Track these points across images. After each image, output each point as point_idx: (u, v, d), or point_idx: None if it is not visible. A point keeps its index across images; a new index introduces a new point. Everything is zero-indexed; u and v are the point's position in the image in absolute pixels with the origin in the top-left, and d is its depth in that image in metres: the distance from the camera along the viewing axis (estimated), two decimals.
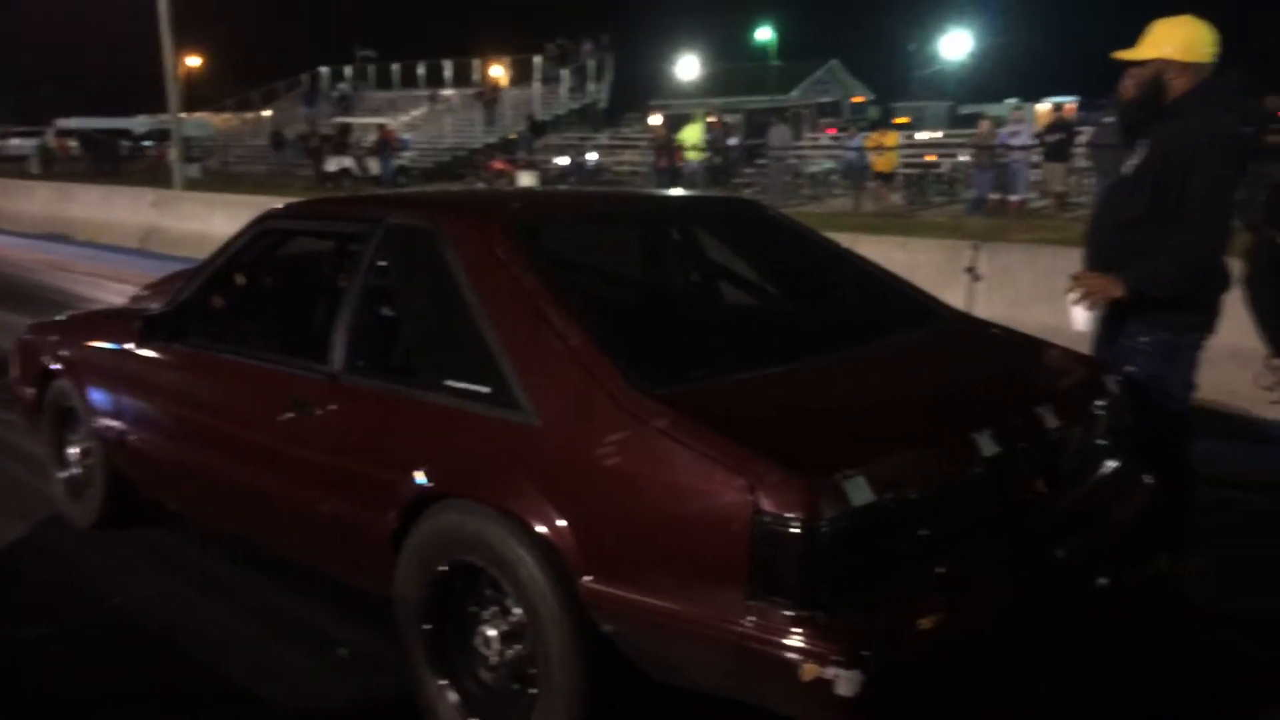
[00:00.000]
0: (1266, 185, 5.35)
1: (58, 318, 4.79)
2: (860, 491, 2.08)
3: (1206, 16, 3.19)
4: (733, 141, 20.77)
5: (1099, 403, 2.83)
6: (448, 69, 35.77)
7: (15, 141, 40.88)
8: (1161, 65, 3.13)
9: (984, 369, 2.95)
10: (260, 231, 3.54)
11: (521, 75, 34.45)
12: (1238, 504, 4.22)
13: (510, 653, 2.54)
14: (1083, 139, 16.79)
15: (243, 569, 3.73)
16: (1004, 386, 2.79)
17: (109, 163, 30.85)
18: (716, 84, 43.73)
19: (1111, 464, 2.86)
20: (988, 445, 2.37)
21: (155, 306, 3.72)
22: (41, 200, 17.59)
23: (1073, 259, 6.99)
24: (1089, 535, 2.64)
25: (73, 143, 34.80)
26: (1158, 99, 3.16)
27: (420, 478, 2.61)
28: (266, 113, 37.92)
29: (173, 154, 18.67)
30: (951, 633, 2.21)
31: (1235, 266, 3.47)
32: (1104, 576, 2.65)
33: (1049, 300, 6.63)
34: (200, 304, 3.57)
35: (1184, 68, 3.12)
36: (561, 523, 2.32)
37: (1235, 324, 4.59)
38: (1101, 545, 2.70)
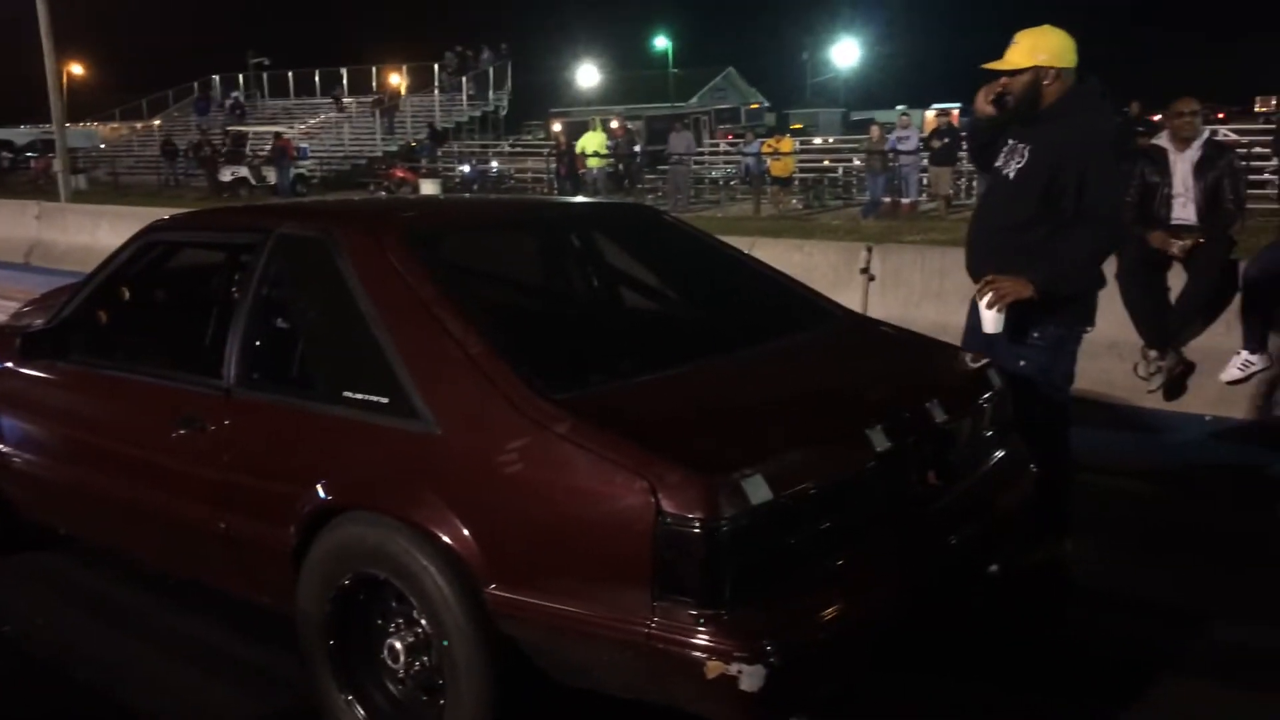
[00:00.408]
0: (1135, 186, 5.67)
1: None
2: (759, 490, 2.13)
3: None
4: (636, 148, 20.91)
5: (985, 395, 2.95)
6: (345, 76, 35.11)
7: None
8: (1038, 72, 3.28)
9: (875, 367, 3.05)
10: (146, 244, 3.44)
11: (420, 83, 34.07)
12: (1117, 490, 4.43)
13: (417, 664, 2.52)
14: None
15: (135, 590, 3.62)
16: (894, 383, 2.88)
17: None
18: (616, 92, 43.96)
19: (998, 454, 2.98)
20: (880, 440, 2.45)
21: (37, 323, 3.58)
22: None
23: (959, 259, 7.25)
24: (980, 524, 2.75)
25: None
26: (1034, 105, 3.31)
27: (320, 491, 2.57)
28: (156, 122, 36.65)
29: (57, 165, 17.91)
30: (852, 624, 2.27)
31: (1109, 263, 3.64)
32: (995, 563, 2.76)
33: (938, 298, 6.87)
34: (84, 319, 3.44)
35: (1057, 74, 3.27)
36: (465, 531, 2.32)
37: (1111, 318, 4.82)
38: (992, 533, 2.81)
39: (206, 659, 3.17)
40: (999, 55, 3.36)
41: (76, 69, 46.84)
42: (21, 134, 38.69)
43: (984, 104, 3.40)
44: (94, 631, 3.38)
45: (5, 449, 3.58)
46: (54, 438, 3.48)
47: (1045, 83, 3.28)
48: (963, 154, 17.16)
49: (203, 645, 3.25)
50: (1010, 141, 3.39)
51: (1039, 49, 3.29)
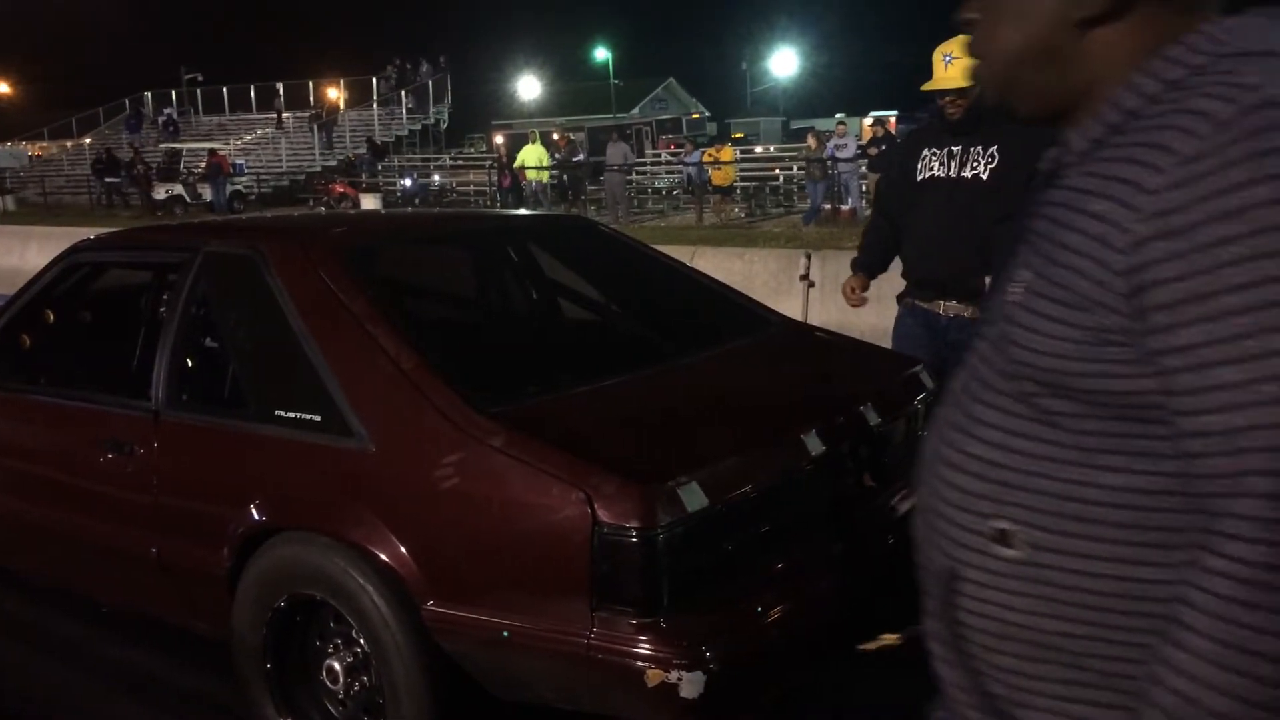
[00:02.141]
0: None
1: None
2: (695, 497, 2.14)
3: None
4: (579, 158, 20.95)
5: (918, 397, 3.00)
6: (281, 91, 34.67)
7: None
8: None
9: (810, 372, 3.08)
10: (70, 264, 3.37)
11: (359, 97, 33.76)
12: None
13: (357, 685, 2.49)
14: None
15: (74, 620, 3.52)
16: (829, 388, 2.92)
17: None
18: (557, 103, 44.02)
19: None
20: (815, 445, 2.48)
21: None
22: None
23: (896, 264, 7.32)
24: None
25: None
26: (979, 115, 3.35)
27: (254, 512, 2.54)
28: (87, 140, 35.83)
29: None
30: (791, 628, 2.29)
31: None
32: None
33: (877, 303, 6.94)
34: (7, 343, 3.36)
35: None
36: (402, 548, 2.29)
37: None
38: None
39: (144, 688, 3.10)
40: (930, 64, 3.42)
41: (1, 87, 45.76)
42: None
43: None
44: (31, 663, 3.30)
45: None
46: None
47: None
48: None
49: (140, 674, 3.18)
50: (953, 148, 3.43)
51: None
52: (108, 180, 27.09)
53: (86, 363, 3.43)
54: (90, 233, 11.15)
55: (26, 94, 47.88)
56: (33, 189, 29.44)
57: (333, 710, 2.56)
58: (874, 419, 2.71)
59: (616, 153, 18.95)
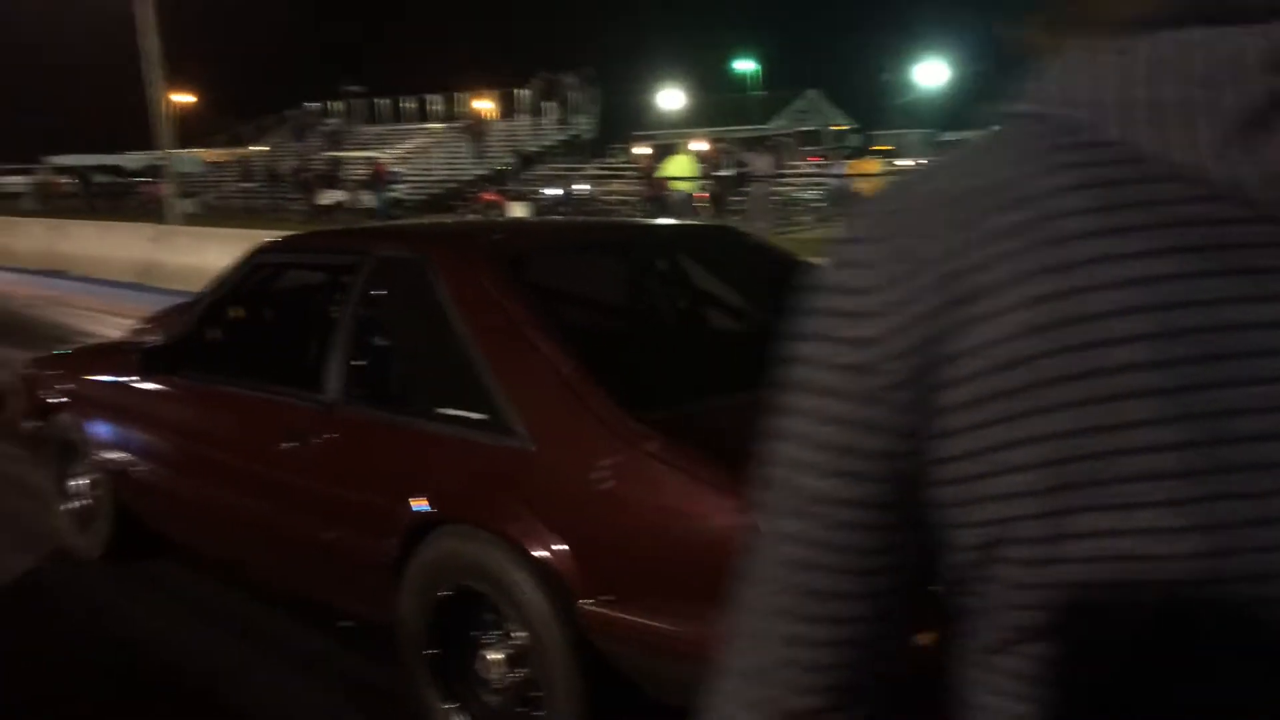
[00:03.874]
0: None
1: (58, 352, 4.84)
2: None
3: None
4: (726, 172, 20.99)
5: None
6: (437, 103, 36.03)
7: (7, 179, 41.10)
8: None
9: None
10: (255, 265, 3.61)
11: (509, 108, 34.73)
12: None
13: (514, 676, 2.58)
14: None
15: (247, 599, 3.76)
16: None
17: (104, 198, 30.89)
18: (700, 114, 44.19)
19: None
20: None
21: (154, 340, 3.77)
22: (37, 236, 17.64)
23: None
24: None
25: (65, 179, 34.86)
26: None
27: (419, 504, 2.66)
28: (258, 148, 38.10)
29: (167, 189, 18.75)
30: (948, 649, 2.25)
31: None
32: None
33: None
34: (197, 336, 3.62)
35: None
36: (559, 546, 2.37)
37: None
38: None
39: (314, 669, 3.28)
40: None
41: (185, 97, 49.00)
42: (132, 160, 40.62)
43: None
44: (208, 639, 3.52)
45: (125, 459, 3.78)
46: (168, 449, 3.66)
47: None
48: None
49: (310, 655, 3.36)
50: None
51: None
52: (277, 186, 28.77)
53: (267, 357, 3.66)
54: (262, 235, 11.82)
55: (205, 104, 51.24)
56: (211, 193, 31.43)
57: (490, 699, 2.66)
58: None
59: (760, 163, 18.88)
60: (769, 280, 3.65)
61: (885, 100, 52.13)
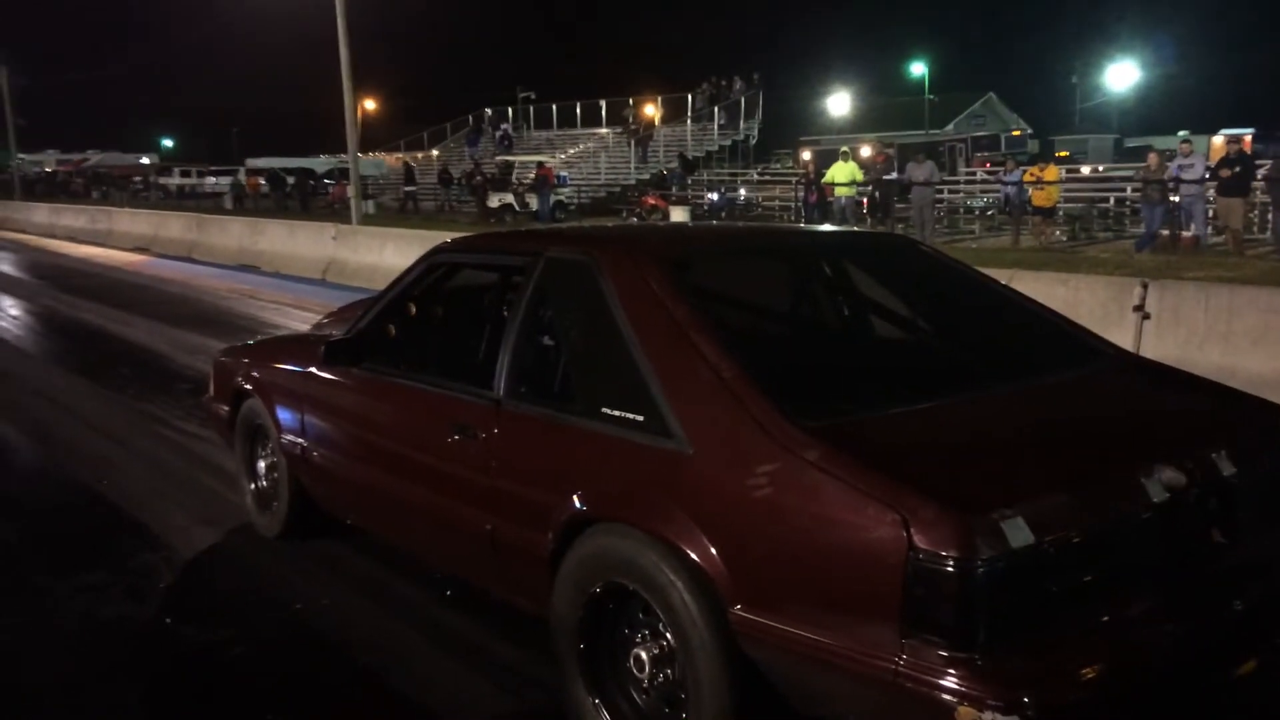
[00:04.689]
0: None
1: (249, 342, 5.18)
2: (1019, 532, 2.04)
3: None
4: (891, 176, 20.51)
5: None
6: (604, 108, 36.72)
7: (211, 180, 44.64)
8: None
9: (1153, 410, 2.84)
10: (431, 264, 3.76)
11: (674, 113, 35.04)
12: None
13: (661, 676, 2.59)
14: (1262, 172, 15.83)
15: (412, 582, 3.93)
16: (1175, 429, 2.68)
17: (296, 199, 32.98)
18: (868, 119, 43.32)
19: None
20: (1157, 491, 2.29)
21: (336, 333, 3.98)
22: (235, 234, 18.98)
23: (1251, 298, 6.62)
24: (1272, 590, 2.50)
25: (262, 181, 37.43)
26: None
27: (577, 501, 2.71)
28: (435, 152, 39.84)
29: (351, 191, 19.79)
30: (1113, 683, 2.13)
31: None
32: None
33: (1225, 341, 6.31)
34: (377, 331, 3.80)
35: None
36: (713, 550, 2.36)
37: None
38: None
39: (468, 651, 3.40)
40: None
41: (368, 104, 51.66)
42: (320, 163, 43.23)
43: None
44: (374, 618, 3.69)
45: (306, 444, 4.01)
46: (346, 437, 3.86)
47: None
48: (1258, 184, 15.62)
49: (464, 637, 3.49)
50: None
51: None
52: (449, 189, 30.01)
53: (441, 352, 3.81)
54: (436, 235, 12.33)
55: (386, 111, 53.87)
56: (389, 195, 33.07)
57: (636, 697, 2.68)
58: (1228, 468, 2.46)
59: (919, 172, 18.36)
60: (940, 291, 3.54)
61: (1068, 104, 49.76)
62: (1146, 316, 6.49)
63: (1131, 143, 35.00)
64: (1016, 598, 2.06)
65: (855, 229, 11.57)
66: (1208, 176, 15.41)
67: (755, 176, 29.51)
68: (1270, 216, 16.11)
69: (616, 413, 2.69)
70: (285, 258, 16.45)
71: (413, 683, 3.22)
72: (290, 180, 35.18)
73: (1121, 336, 6.15)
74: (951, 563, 2.00)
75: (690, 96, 34.36)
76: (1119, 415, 2.77)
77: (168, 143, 73.13)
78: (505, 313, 3.47)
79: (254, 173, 40.65)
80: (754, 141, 34.23)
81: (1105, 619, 2.18)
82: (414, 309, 3.93)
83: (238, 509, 4.67)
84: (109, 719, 3.08)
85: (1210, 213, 15.76)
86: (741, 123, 33.42)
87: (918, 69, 49.04)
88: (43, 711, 3.13)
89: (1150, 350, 6.06)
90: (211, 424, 5.04)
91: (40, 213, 30.15)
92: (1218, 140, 21.35)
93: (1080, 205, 20.02)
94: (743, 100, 33.34)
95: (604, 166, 33.32)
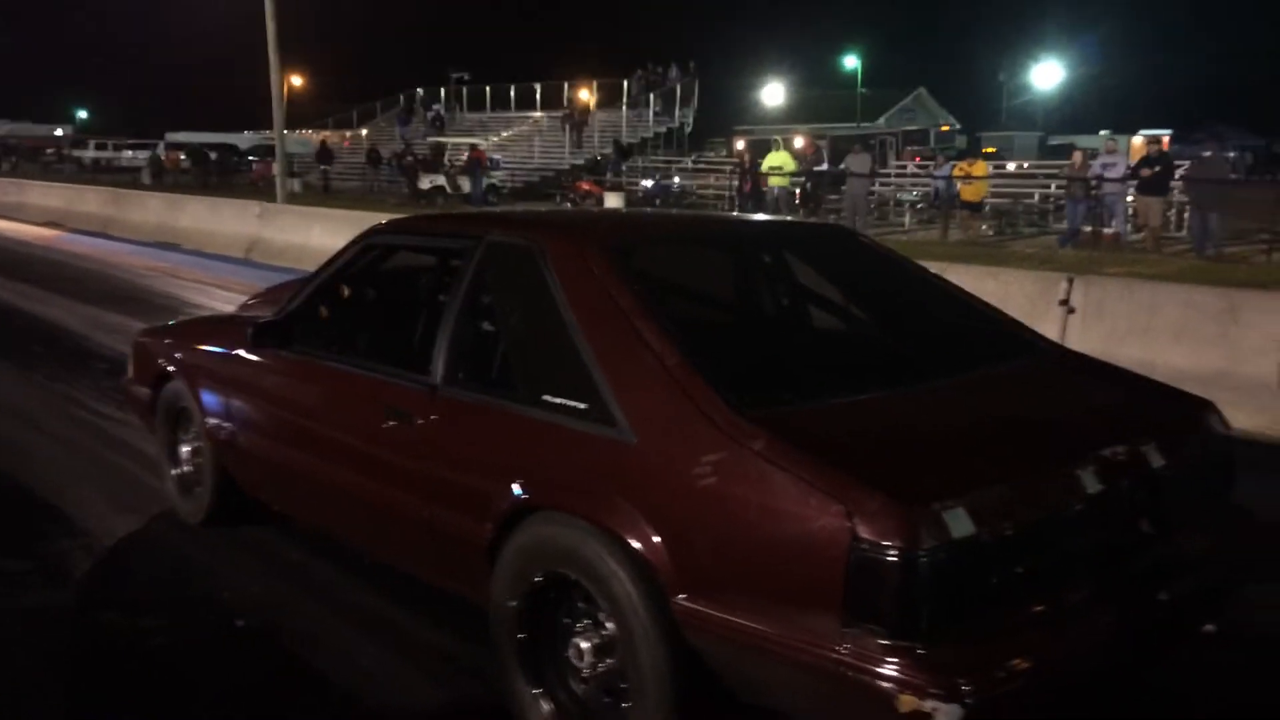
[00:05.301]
0: None
1: (171, 322, 5.01)
2: (961, 523, 2.07)
3: None
4: (822, 167, 20.72)
5: (1209, 441, 2.76)
6: (538, 91, 36.39)
7: (128, 154, 43.18)
8: None
9: (1086, 403, 2.90)
10: (366, 245, 3.66)
11: (609, 99, 34.89)
12: None
13: (602, 666, 2.57)
14: (1180, 172, 16.36)
15: (342, 569, 3.84)
16: (1107, 422, 2.74)
17: (216, 176, 32.06)
18: (801, 110, 43.67)
19: (1221, 505, 2.78)
20: (1091, 482, 2.34)
21: (265, 314, 3.87)
22: (153, 210, 18.41)
23: (1171, 294, 6.84)
24: (1196, 579, 2.57)
25: (182, 156, 36.30)
26: None
27: (517, 489, 2.67)
28: (364, 131, 39.06)
29: (276, 169, 19.32)
30: (1050, 671, 2.17)
31: None
32: (1211, 623, 2.58)
33: (1145, 335, 6.50)
34: (309, 313, 3.70)
35: None
36: (656, 540, 2.35)
37: None
38: (1209, 590, 2.62)
39: (400, 640, 3.34)
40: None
41: (295, 80, 50.46)
42: (244, 139, 42.11)
43: None
44: (302, 605, 3.61)
45: (232, 428, 3.89)
46: (274, 421, 3.75)
47: None
48: (1175, 184, 16.12)
49: (397, 627, 3.43)
50: None
51: None
52: (378, 169, 29.48)
53: (375, 336, 3.72)
54: (365, 216, 12.09)
55: (314, 88, 52.63)
56: (315, 174, 32.37)
57: (575, 687, 2.65)
58: (1157, 460, 2.52)
59: (856, 162, 18.59)
60: (880, 283, 3.56)
61: (995, 101, 50.81)
62: (1071, 310, 6.66)
63: (1055, 140, 35.87)
64: (957, 587, 2.08)
65: (794, 219, 11.64)
66: (1130, 175, 15.87)
67: (690, 164, 29.56)
68: (1187, 216, 16.65)
69: (558, 400, 2.65)
70: (207, 235, 16.01)
71: (344, 672, 3.15)
72: (213, 156, 34.22)
73: (1047, 329, 6.30)
74: (894, 553, 2.01)
75: (626, 82, 34.23)
76: (1054, 407, 2.82)
77: (82, 114, 70.54)
78: (443, 297, 3.40)
79: (174, 147, 39.44)
80: (689, 130, 34.27)
81: (1042, 608, 2.22)
82: (348, 291, 3.83)
83: (159, 494, 4.53)
84: (30, 709, 2.95)
85: (1130, 210, 16.24)
86: (677, 110, 33.42)
87: (850, 62, 49.59)
88: None
89: (1074, 343, 6.20)
90: (131, 406, 4.86)
91: None
92: (1138, 140, 22.00)
93: (1006, 201, 20.46)
94: (678, 88, 33.35)
95: (538, 150, 33.06)
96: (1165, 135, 24.37)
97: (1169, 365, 5.94)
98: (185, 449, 4.34)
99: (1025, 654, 2.12)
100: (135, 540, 4.21)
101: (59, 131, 57.57)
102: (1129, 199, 16.06)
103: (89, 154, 45.20)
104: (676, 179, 26.54)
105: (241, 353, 3.81)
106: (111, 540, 4.18)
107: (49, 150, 45.84)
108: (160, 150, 38.48)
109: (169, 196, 19.53)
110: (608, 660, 2.55)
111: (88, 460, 5.24)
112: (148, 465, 4.91)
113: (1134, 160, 17.33)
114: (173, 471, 4.40)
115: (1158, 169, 15.05)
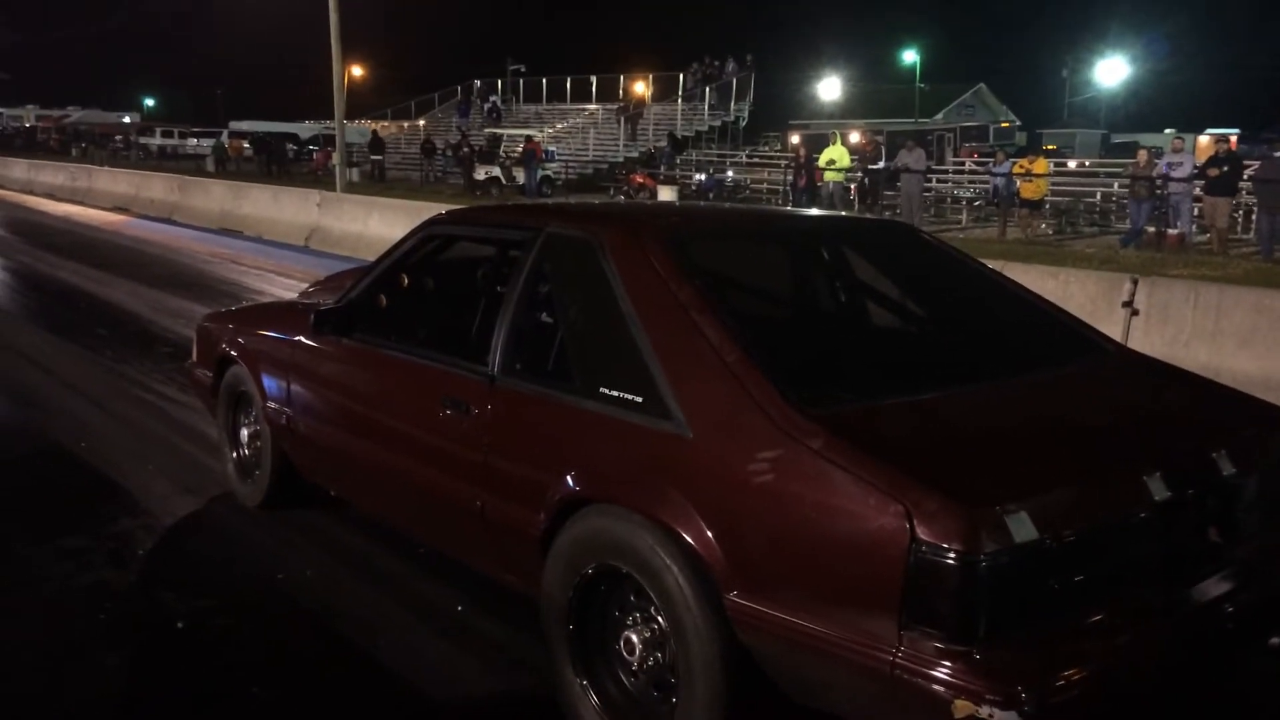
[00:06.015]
0: None
1: (234, 308, 5.10)
2: (1023, 527, 2.03)
3: None
4: (880, 164, 20.47)
5: (1278, 450, 2.68)
6: (595, 84, 36.44)
7: (193, 141, 44.14)
8: None
9: (1154, 407, 2.83)
10: (427, 235, 3.69)
11: (665, 92, 34.81)
12: None
13: (651, 660, 2.56)
14: (1249, 173, 15.90)
15: (397, 555, 3.88)
16: (1177, 428, 2.67)
17: (277, 164, 32.59)
18: (858, 105, 43.29)
19: None
20: (1159, 489, 2.28)
21: (325, 302, 3.91)
22: (217, 197, 18.75)
23: (1239, 298, 6.65)
24: (1264, 590, 2.50)
25: (245, 144, 36.94)
26: None
27: (571, 481, 2.67)
28: (422, 122, 39.44)
29: (335, 158, 19.58)
30: (1109, 680, 2.13)
31: None
32: (1278, 636, 2.51)
33: (1212, 339, 6.34)
34: (369, 301, 3.74)
35: None
36: (710, 535, 2.34)
37: None
38: (1277, 602, 2.55)
39: (455, 629, 3.36)
40: None
41: (355, 70, 51.08)
42: (305, 128, 42.76)
43: None
44: (356, 590, 3.65)
45: (291, 413, 3.95)
46: (333, 407, 3.80)
47: None
48: (1244, 184, 15.68)
49: (452, 615, 3.45)
50: None
51: None
52: (432, 160, 29.74)
53: (435, 325, 3.75)
54: (423, 206, 12.20)
55: (374, 79, 53.24)
56: (369, 164, 32.74)
57: (625, 680, 2.66)
58: (1228, 468, 2.45)
59: (914, 158, 18.33)
60: (943, 281, 3.51)
61: (1057, 98, 49.83)
62: (1135, 312, 6.51)
63: (1118, 139, 35.14)
64: (1017, 592, 2.04)
65: (856, 215, 11.52)
66: (1196, 175, 15.47)
67: (744, 158, 29.41)
68: (1255, 217, 16.20)
69: (615, 393, 2.65)
70: (268, 223, 16.28)
71: (397, 657, 3.18)
72: (286, 146, 34.75)
73: (1110, 331, 6.12)
74: (954, 556, 1.98)
75: (682, 76, 34.13)
76: (1122, 411, 2.76)
77: (150, 102, 72.18)
78: (502, 288, 3.41)
79: (237, 135, 40.14)
80: (744, 123, 34.08)
81: (1103, 616, 2.17)
82: (408, 280, 3.86)
83: (219, 476, 4.61)
84: (88, 687, 3.02)
85: (1196, 211, 15.83)
86: (732, 104, 33.24)
87: (909, 57, 48.96)
88: (21, 679, 3.08)
89: (1138, 346, 6.05)
90: (194, 389, 4.96)
91: (18, 168, 29.68)
92: (1204, 139, 21.43)
93: (1067, 199, 20.07)
94: (734, 81, 33.16)
95: (592, 143, 33.09)
96: (1233, 134, 23.72)
97: (1236, 370, 5.79)
98: (245, 433, 4.42)
99: (1084, 662, 2.08)
100: (195, 522, 4.30)
101: (126, 118, 58.96)
102: (1195, 199, 15.66)
103: (155, 141, 46.31)
104: (730, 173, 26.43)
105: (302, 339, 3.87)
106: (172, 520, 4.27)
107: (117, 137, 46.96)
108: (224, 138, 39.24)
109: (233, 184, 19.87)
110: (657, 654, 2.55)
111: (151, 442, 5.36)
112: (209, 448, 5.01)
113: (1200, 160, 16.88)
114: (232, 455, 4.48)
115: (1225, 169, 14.65)
